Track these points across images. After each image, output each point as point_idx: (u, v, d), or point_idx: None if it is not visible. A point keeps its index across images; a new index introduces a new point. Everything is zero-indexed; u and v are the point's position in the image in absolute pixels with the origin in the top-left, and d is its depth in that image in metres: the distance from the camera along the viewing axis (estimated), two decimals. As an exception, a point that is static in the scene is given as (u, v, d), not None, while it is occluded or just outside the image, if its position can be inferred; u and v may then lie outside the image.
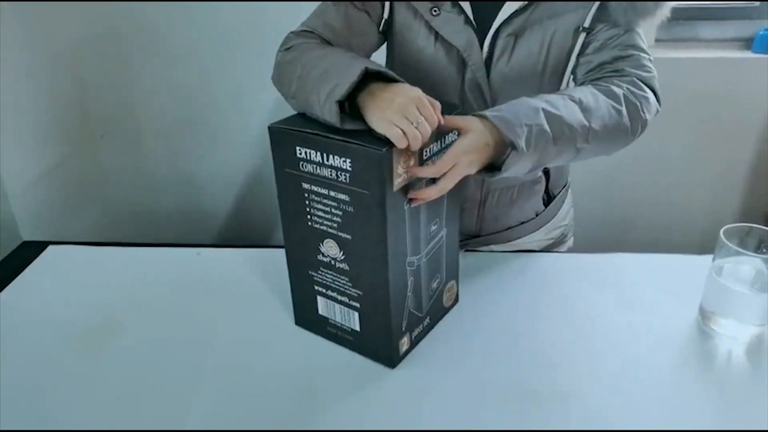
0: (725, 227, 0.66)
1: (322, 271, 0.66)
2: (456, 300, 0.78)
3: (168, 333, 0.72)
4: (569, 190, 0.95)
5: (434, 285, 0.71)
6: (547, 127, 0.63)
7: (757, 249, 0.66)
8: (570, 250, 0.97)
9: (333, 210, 0.61)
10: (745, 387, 0.61)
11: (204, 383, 0.65)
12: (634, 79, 0.72)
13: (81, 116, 1.43)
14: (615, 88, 0.70)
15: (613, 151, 0.72)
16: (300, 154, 0.60)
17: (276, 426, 0.59)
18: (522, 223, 0.89)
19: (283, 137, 0.61)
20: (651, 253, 0.82)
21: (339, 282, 0.65)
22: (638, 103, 0.70)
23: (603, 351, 0.66)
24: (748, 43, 1.44)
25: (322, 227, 0.63)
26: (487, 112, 0.62)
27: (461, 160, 0.61)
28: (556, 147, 0.64)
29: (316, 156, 0.59)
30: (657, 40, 1.46)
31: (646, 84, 0.72)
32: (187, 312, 0.75)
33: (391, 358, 0.67)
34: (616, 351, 0.66)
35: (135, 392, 0.63)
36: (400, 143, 0.55)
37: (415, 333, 0.70)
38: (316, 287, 0.68)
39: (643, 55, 0.74)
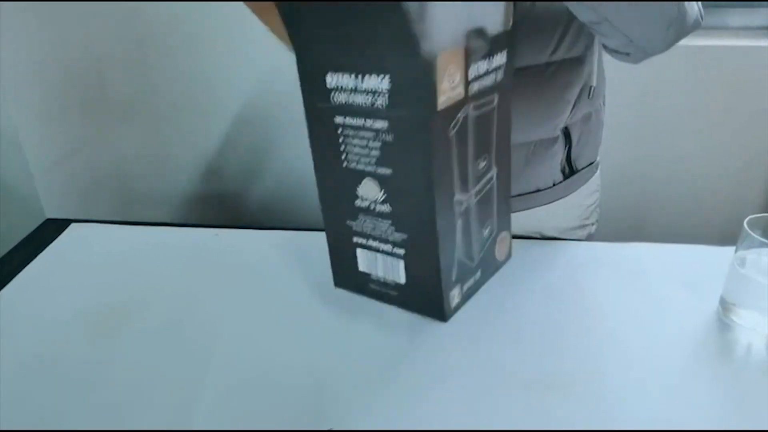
0: (749, 217, 0.64)
1: (362, 218, 0.59)
2: (509, 254, 0.70)
3: (189, 313, 0.68)
4: (598, 172, 0.89)
5: (485, 233, 0.64)
6: None
7: None
8: (590, 237, 0.92)
9: (370, 143, 0.54)
10: (763, 379, 0.59)
11: (227, 360, 0.60)
12: None
13: (102, 100, 1.46)
14: None
15: (661, 21, 0.61)
16: (331, 83, 0.54)
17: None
18: (538, 190, 0.83)
19: (312, 68, 0.55)
20: (671, 244, 0.80)
21: (381, 227, 0.58)
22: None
23: (622, 342, 0.64)
24: None
25: (359, 166, 0.56)
26: None
27: None
28: None
29: (349, 80, 0.53)
30: None
31: None
32: (208, 292, 0.72)
33: (441, 311, 0.60)
34: (635, 341, 0.64)
35: (156, 371, 0.59)
36: None
37: (467, 286, 0.62)
38: (355, 239, 0.61)
39: None
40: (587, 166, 0.88)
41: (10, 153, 1.32)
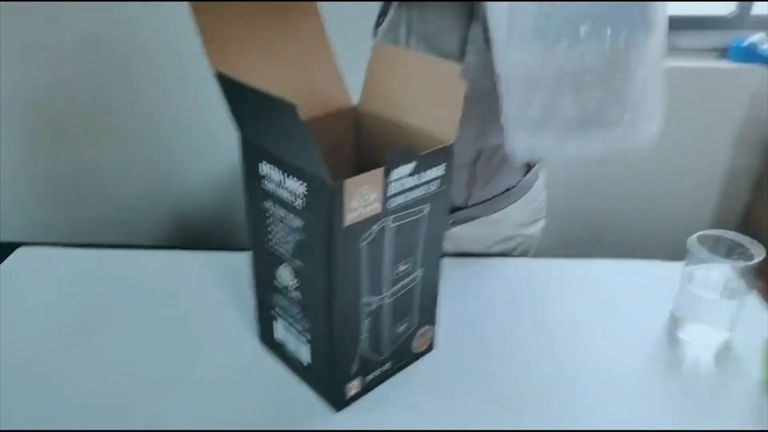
0: (696, 234, 0.66)
1: (279, 297, 0.64)
2: (431, 347, 0.70)
3: (140, 340, 0.70)
4: (543, 167, 0.95)
5: (400, 329, 0.65)
6: None
7: (727, 255, 0.67)
8: (542, 232, 0.97)
9: (288, 235, 0.58)
10: (712, 392, 0.64)
11: (169, 391, 0.65)
12: None
13: (56, 116, 1.42)
14: None
15: None
16: (263, 170, 0.58)
17: None
18: (507, 190, 0.88)
19: (250, 151, 0.59)
20: (625, 259, 0.84)
21: (293, 310, 0.62)
22: None
23: (577, 356, 0.68)
24: (724, 52, 1.51)
25: (279, 250, 0.61)
26: None
27: None
28: None
29: (276, 175, 0.56)
30: None
31: None
32: (161, 318, 0.75)
33: (337, 400, 0.63)
34: (590, 356, 0.68)
35: (95, 403, 0.62)
36: None
37: (370, 377, 0.64)
38: (273, 311, 0.66)
39: None
40: (539, 161, 0.94)
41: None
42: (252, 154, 0.58)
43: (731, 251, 0.67)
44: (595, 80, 0.62)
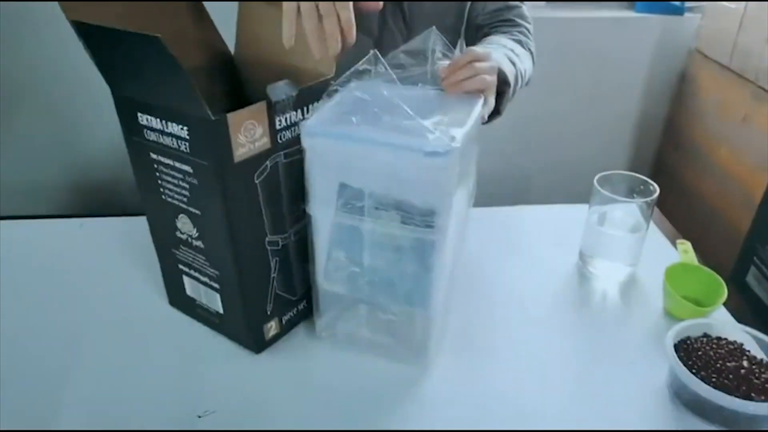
0: (598, 175, 0.70)
1: (183, 249, 0.63)
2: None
3: (50, 310, 0.69)
4: None
5: (311, 267, 0.66)
6: (513, 68, 0.72)
7: (629, 195, 0.71)
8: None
9: (180, 183, 0.57)
10: (619, 320, 0.68)
11: (79, 364, 0.63)
12: (523, 29, 0.86)
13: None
14: (520, 37, 0.83)
15: None
16: (142, 120, 0.56)
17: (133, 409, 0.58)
18: None
19: (125, 103, 0.57)
20: (538, 205, 0.88)
21: (198, 261, 0.62)
22: (533, 51, 0.85)
23: (492, 292, 0.71)
24: (631, 3, 1.55)
25: (174, 201, 0.59)
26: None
27: (487, 76, 0.62)
28: (516, 86, 0.72)
29: (157, 123, 0.55)
30: (547, 0, 1.46)
31: (530, 33, 0.87)
32: (67, 287, 0.73)
33: (255, 343, 0.63)
34: (504, 291, 0.71)
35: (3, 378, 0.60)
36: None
37: (287, 317, 0.65)
38: (181, 266, 0.65)
39: (523, 4, 0.89)
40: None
41: None
42: (128, 107, 0.57)
43: (632, 190, 0.72)
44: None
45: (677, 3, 1.51)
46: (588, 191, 0.76)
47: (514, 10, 0.88)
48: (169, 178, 0.58)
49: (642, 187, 0.71)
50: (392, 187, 0.50)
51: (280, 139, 0.57)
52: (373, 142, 0.49)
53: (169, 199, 0.60)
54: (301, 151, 0.58)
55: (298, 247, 0.63)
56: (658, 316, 0.69)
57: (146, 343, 0.66)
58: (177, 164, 0.56)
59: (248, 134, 0.54)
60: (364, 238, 0.54)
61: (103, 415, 0.57)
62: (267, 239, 0.60)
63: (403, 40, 0.84)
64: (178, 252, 0.64)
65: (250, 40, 0.68)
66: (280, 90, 0.55)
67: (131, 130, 0.58)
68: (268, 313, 0.63)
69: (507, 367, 0.61)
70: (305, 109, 0.58)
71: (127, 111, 0.57)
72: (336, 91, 0.57)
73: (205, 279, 0.62)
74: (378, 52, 0.56)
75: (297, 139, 0.58)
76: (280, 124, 0.56)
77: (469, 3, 0.88)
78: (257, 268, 0.60)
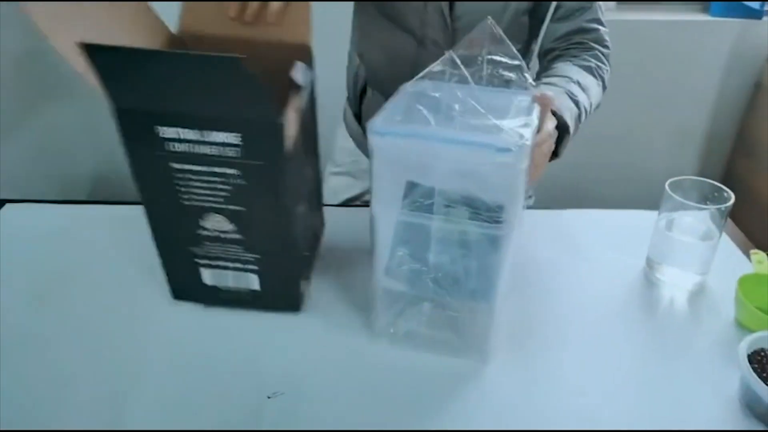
0: (670, 180, 0.69)
1: (207, 245, 0.61)
2: (322, 224, 0.79)
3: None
4: None
5: (309, 223, 0.71)
6: (575, 108, 0.70)
7: (701, 201, 0.69)
8: (530, 208, 0.99)
9: (217, 186, 0.56)
10: (687, 330, 0.66)
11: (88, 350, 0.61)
12: (598, 53, 0.82)
13: (34, 76, 1.42)
14: (588, 64, 0.79)
15: None
16: (164, 134, 0.52)
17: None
18: None
19: (135, 117, 0.52)
20: (602, 209, 0.86)
21: (231, 251, 0.61)
22: (604, 77, 0.81)
23: (558, 299, 0.70)
24: (705, 6, 1.50)
25: (200, 203, 0.57)
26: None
27: (548, 143, 0.62)
28: (579, 125, 0.72)
29: (191, 133, 0.52)
30: (618, 1, 1.43)
31: (606, 58, 0.82)
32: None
33: (295, 305, 0.67)
34: (566, 298, 0.70)
35: (86, 349, 0.61)
36: None
37: (309, 271, 0.71)
38: (198, 260, 0.63)
39: (603, 29, 0.83)
40: None
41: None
42: (138, 120, 0.52)
43: (704, 197, 0.69)
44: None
45: (756, 6, 1.44)
46: (652, 197, 0.76)
47: (590, 34, 0.82)
48: (198, 183, 0.56)
49: (716, 194, 0.69)
50: (462, 183, 0.51)
51: (299, 120, 0.59)
52: (444, 140, 0.49)
53: (193, 203, 0.58)
54: (305, 123, 0.60)
55: (307, 209, 0.67)
56: (728, 327, 0.66)
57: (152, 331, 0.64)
58: (216, 169, 0.55)
59: (292, 125, 0.56)
60: (430, 236, 0.55)
61: (172, 411, 0.56)
62: (299, 211, 0.63)
63: (447, 39, 0.80)
64: (197, 248, 0.62)
65: (197, 16, 0.64)
66: (305, 73, 0.56)
67: (143, 142, 0.54)
68: (302, 275, 0.67)
69: (569, 369, 0.60)
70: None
71: (138, 124, 0.52)
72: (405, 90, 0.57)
73: (237, 265, 0.63)
74: (454, 55, 0.57)
75: (303, 114, 0.61)
76: (298, 108, 0.58)
77: (543, 30, 0.83)
78: (300, 241, 0.63)
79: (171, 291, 0.67)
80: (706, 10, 1.50)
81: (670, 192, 0.68)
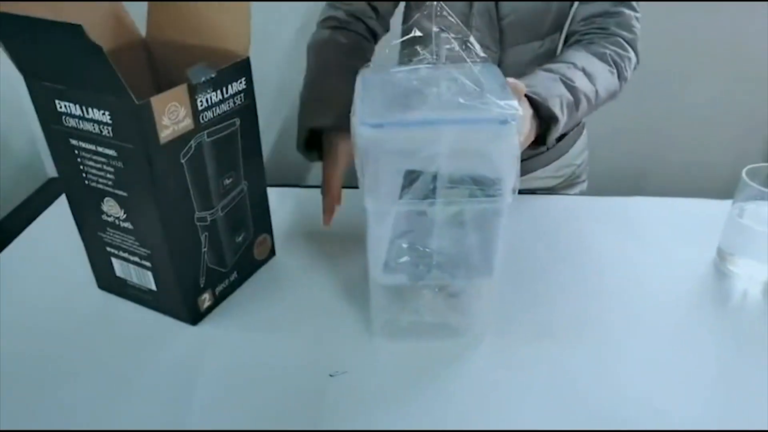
0: (748, 167, 0.65)
1: (110, 232, 0.64)
2: (272, 253, 0.75)
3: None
4: (584, 131, 0.97)
5: (239, 239, 0.69)
6: (569, 95, 0.67)
7: None
8: (583, 194, 0.97)
9: (105, 167, 0.58)
10: (761, 325, 0.61)
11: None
12: (619, 39, 0.76)
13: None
14: (602, 50, 0.74)
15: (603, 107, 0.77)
16: (60, 107, 0.57)
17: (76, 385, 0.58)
18: (532, 156, 0.88)
19: (41, 91, 0.57)
20: (668, 197, 0.81)
21: (127, 242, 0.63)
22: (623, 64, 0.75)
23: (624, 291, 0.67)
24: None
25: (99, 185, 0.60)
26: (530, 92, 0.63)
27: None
28: (577, 113, 0.69)
29: (76, 109, 0.56)
30: None
31: (629, 44, 0.76)
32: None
33: (190, 316, 0.65)
34: (636, 291, 0.67)
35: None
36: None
37: (219, 288, 0.68)
38: (108, 249, 0.65)
39: (631, 13, 0.77)
40: (574, 127, 0.94)
41: (11, 111, 1.23)
42: (43, 94, 0.57)
43: None
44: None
45: None
46: (717, 183, 0.73)
47: (613, 18, 0.76)
48: (92, 163, 0.59)
49: None
50: (462, 163, 0.50)
51: (202, 119, 0.59)
52: (445, 122, 0.48)
53: (93, 184, 0.61)
54: (226, 128, 0.61)
55: (227, 221, 0.66)
56: None
57: (79, 323, 0.65)
58: (100, 149, 0.57)
59: (172, 116, 0.55)
60: (431, 221, 0.53)
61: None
62: (196, 216, 0.62)
63: (494, 39, 0.79)
64: (104, 235, 0.64)
65: (162, 23, 0.68)
66: (199, 72, 0.58)
67: (48, 117, 0.59)
68: (201, 286, 0.66)
69: (637, 364, 0.58)
70: (224, 89, 0.60)
71: (43, 97, 0.58)
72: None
73: (135, 258, 0.64)
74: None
75: (218, 119, 0.61)
76: (201, 105, 0.58)
77: (573, 10, 0.80)
78: (188, 244, 0.62)
79: (96, 280, 0.71)
80: None
81: (747, 179, 0.64)
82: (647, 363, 0.57)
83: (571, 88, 0.68)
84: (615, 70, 0.74)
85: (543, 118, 0.64)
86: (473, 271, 0.56)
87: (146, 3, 0.68)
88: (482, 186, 0.50)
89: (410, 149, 0.48)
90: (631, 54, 0.76)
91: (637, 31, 0.77)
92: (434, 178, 0.49)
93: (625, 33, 0.76)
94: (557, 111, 0.64)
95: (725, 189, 0.74)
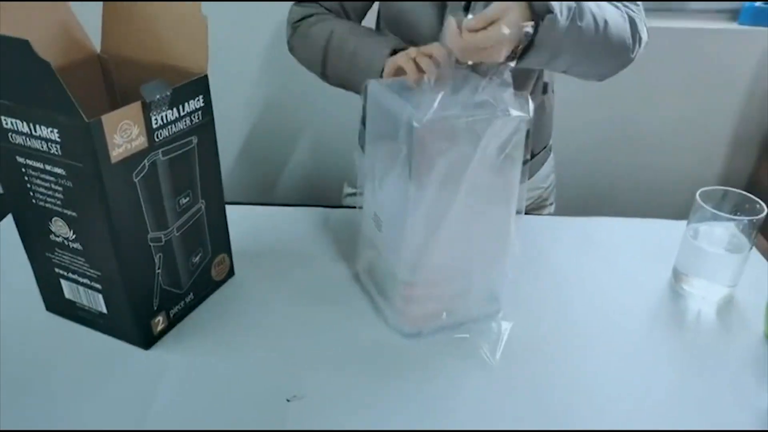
0: (701, 190, 0.67)
1: (59, 252, 0.62)
2: (231, 273, 0.74)
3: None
4: (551, 153, 0.96)
5: (195, 260, 0.67)
6: (575, 4, 0.63)
7: (732, 213, 0.67)
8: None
9: (53, 185, 0.56)
10: (715, 344, 0.64)
11: None
12: (629, 11, 0.72)
13: None
14: (615, 3, 0.71)
15: (614, 63, 0.73)
16: (6, 124, 0.55)
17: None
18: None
19: None
20: (627, 218, 0.83)
21: (77, 263, 0.61)
22: (636, 19, 0.71)
23: (582, 308, 0.68)
24: (734, 14, 1.43)
25: (47, 205, 0.58)
26: None
27: (507, 15, 0.58)
28: (580, 24, 0.63)
29: (23, 126, 0.54)
30: (646, 10, 1.36)
31: (631, 9, 0.73)
32: None
33: (143, 339, 0.63)
34: (590, 308, 0.68)
35: None
36: (411, 74, 0.60)
37: (174, 311, 0.66)
38: (57, 270, 0.63)
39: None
40: (542, 150, 0.94)
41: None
42: None
43: (735, 208, 0.67)
44: None
45: None
46: (675, 205, 0.73)
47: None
48: (40, 182, 0.57)
49: (747, 205, 0.67)
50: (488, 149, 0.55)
51: (157, 137, 0.58)
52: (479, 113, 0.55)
53: (41, 203, 0.59)
54: (182, 147, 0.59)
55: (183, 241, 0.65)
56: (757, 341, 0.64)
57: (28, 347, 0.63)
58: (48, 167, 0.55)
59: (124, 134, 0.54)
60: (455, 209, 0.57)
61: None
62: (149, 236, 0.60)
63: None
64: (53, 255, 0.62)
65: (117, 39, 0.67)
66: (154, 89, 0.56)
67: None
68: (155, 308, 0.64)
69: (591, 381, 0.59)
70: (181, 107, 0.59)
71: None
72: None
73: (85, 280, 0.62)
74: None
75: (174, 137, 0.60)
76: (156, 123, 0.57)
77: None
78: (140, 265, 0.61)
79: (44, 302, 0.68)
80: (734, 19, 1.42)
81: (701, 202, 0.65)
82: (603, 380, 0.58)
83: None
84: (626, 17, 0.70)
85: (538, 13, 0.60)
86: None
87: (101, 18, 0.67)
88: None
89: (448, 142, 0.55)
90: (636, 12, 0.73)
91: (639, 6, 0.75)
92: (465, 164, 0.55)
93: (632, 11, 0.73)
94: (555, 7, 0.60)
95: (680, 211, 0.76)
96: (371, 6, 0.90)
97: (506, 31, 0.56)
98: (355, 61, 0.72)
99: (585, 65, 0.71)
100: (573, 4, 0.63)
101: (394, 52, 0.68)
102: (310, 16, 0.81)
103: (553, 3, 0.60)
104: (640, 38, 0.73)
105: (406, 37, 0.80)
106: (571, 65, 0.69)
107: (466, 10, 0.76)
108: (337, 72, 0.77)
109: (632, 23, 0.71)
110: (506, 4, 0.58)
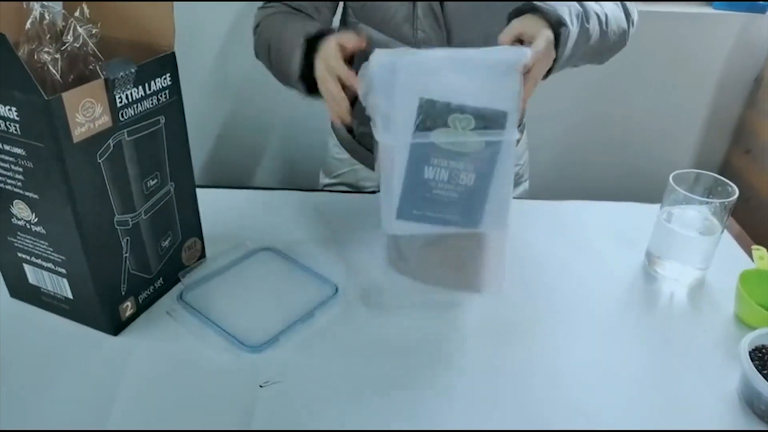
0: (675, 173, 0.67)
1: (21, 236, 0.59)
2: (203, 257, 0.72)
3: None
4: (525, 131, 0.97)
5: (165, 244, 0.65)
6: (579, 6, 0.66)
7: (704, 195, 0.68)
8: (525, 194, 0.99)
9: (13, 167, 0.54)
10: (684, 326, 0.65)
11: None
12: None
13: None
14: None
15: (614, 50, 0.76)
16: None
17: None
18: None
19: None
20: (602, 201, 0.84)
21: (40, 247, 0.59)
22: (626, 2, 0.75)
23: (556, 291, 0.69)
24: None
25: (6, 186, 0.56)
26: (534, 4, 0.64)
27: (544, 60, 0.60)
28: (587, 26, 0.66)
29: None
30: None
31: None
32: None
33: (111, 325, 0.61)
34: (564, 291, 0.69)
35: None
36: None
37: (143, 296, 0.64)
38: (20, 254, 0.61)
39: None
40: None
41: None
42: None
43: (707, 191, 0.68)
44: None
45: (760, 1, 1.39)
46: (647, 188, 0.72)
47: None
48: (0, 163, 0.55)
49: (719, 188, 0.68)
50: (474, 96, 0.55)
51: (122, 116, 0.56)
52: (457, 57, 0.57)
53: (0, 185, 0.56)
54: (145, 128, 0.57)
55: (151, 224, 0.63)
56: (728, 323, 0.65)
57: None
58: (7, 147, 0.53)
59: (87, 113, 0.52)
60: (440, 158, 0.57)
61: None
62: (115, 219, 0.59)
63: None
64: (15, 239, 0.60)
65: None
66: (117, 67, 0.54)
67: None
68: (123, 293, 0.62)
69: (565, 363, 0.60)
70: (147, 85, 0.57)
71: None
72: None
73: (49, 265, 0.60)
74: None
75: (140, 117, 0.58)
76: (120, 102, 0.55)
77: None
78: (107, 249, 0.59)
79: (8, 288, 0.66)
80: (709, 3, 1.44)
81: (674, 185, 0.66)
82: (576, 362, 0.59)
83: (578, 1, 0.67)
84: (620, 6, 0.73)
85: (554, 26, 0.62)
86: (486, 220, 0.59)
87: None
88: (485, 120, 0.55)
89: (424, 79, 0.55)
90: (632, 7, 0.76)
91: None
92: (444, 110, 0.55)
93: None
94: (565, 17, 0.63)
95: (652, 193, 0.77)
96: (337, 5, 0.84)
97: (543, 69, 0.61)
98: (282, 64, 0.69)
99: (589, 59, 0.72)
100: (579, 8, 0.65)
101: (310, 42, 0.66)
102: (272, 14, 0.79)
103: (563, 12, 0.62)
104: (633, 20, 0.75)
105: (377, 24, 0.79)
106: (577, 61, 0.71)
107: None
108: (284, 80, 0.73)
109: (624, 8, 0.74)
110: (540, 51, 0.59)
